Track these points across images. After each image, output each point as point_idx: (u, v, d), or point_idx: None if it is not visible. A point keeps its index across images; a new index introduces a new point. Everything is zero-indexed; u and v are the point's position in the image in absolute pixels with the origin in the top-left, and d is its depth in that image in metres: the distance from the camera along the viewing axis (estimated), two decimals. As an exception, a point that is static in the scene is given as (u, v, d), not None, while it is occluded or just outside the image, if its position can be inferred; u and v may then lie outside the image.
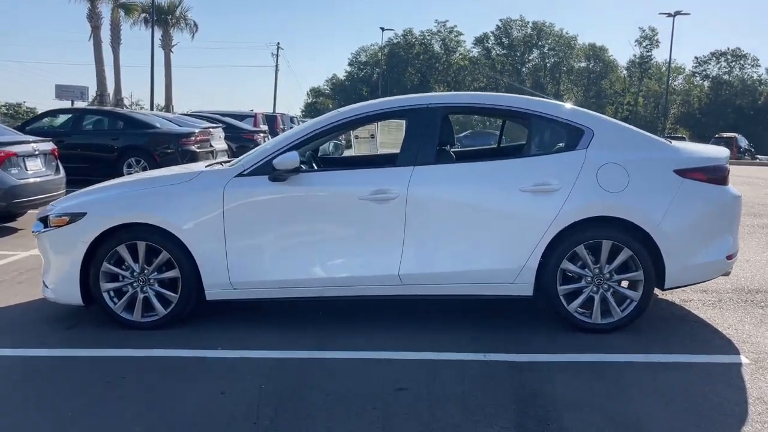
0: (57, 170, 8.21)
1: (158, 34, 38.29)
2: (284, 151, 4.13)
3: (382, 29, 53.49)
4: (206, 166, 4.62)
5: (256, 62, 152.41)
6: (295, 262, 4.12)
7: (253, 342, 3.98)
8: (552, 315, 4.29)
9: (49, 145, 8.18)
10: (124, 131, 12.19)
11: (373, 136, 19.69)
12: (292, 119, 27.92)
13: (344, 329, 4.24)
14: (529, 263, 4.07)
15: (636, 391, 3.33)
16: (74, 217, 4.15)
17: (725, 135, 35.82)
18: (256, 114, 20.94)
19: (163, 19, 39.48)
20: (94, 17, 33.89)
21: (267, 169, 4.11)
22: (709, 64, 66.52)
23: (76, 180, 8.62)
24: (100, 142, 12.19)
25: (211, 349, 3.86)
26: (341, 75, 75.71)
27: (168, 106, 39.21)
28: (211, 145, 12.82)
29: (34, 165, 7.76)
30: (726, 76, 65.30)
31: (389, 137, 19.94)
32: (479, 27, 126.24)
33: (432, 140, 4.21)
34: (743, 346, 4.00)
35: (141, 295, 4.16)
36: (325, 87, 76.56)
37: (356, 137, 19.53)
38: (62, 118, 13.38)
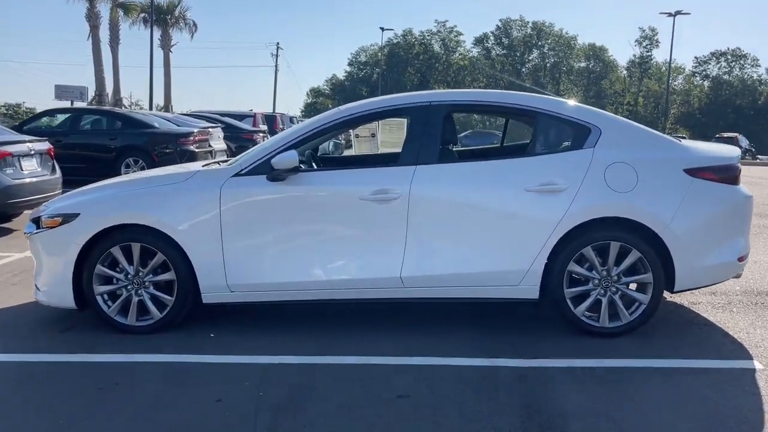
0: (53, 170, 8.12)
1: (157, 33, 38.33)
2: (283, 150, 4.02)
3: (382, 29, 53.52)
4: (203, 166, 4.52)
5: (256, 62, 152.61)
6: (294, 265, 4.01)
7: (249, 347, 3.87)
8: (558, 319, 4.17)
9: (45, 145, 8.09)
10: (122, 131, 12.11)
11: (373, 135, 19.62)
12: (291, 119, 27.92)
13: (343, 333, 4.13)
14: (535, 265, 3.97)
15: (645, 398, 3.22)
16: (67, 217, 4.05)
17: (726, 135, 35.73)
18: (255, 114, 20.88)
19: (162, 18, 39.47)
20: (92, 17, 33.86)
21: (265, 169, 4.00)
22: (709, 64, 66.53)
23: (74, 180, 8.51)
24: (98, 142, 12.11)
25: (206, 354, 3.75)
26: (341, 75, 75.84)
27: (167, 106, 39.15)
28: (209, 145, 12.73)
29: (30, 165, 7.66)
30: (726, 76, 65.27)
31: (390, 136, 19.88)
32: (479, 27, 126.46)
33: (434, 139, 4.10)
34: (756, 350, 3.89)
35: (135, 298, 4.06)
36: (325, 87, 76.56)
37: (357, 136, 19.48)
38: (60, 118, 13.34)
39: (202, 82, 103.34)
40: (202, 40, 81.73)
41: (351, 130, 18.17)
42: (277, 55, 57.92)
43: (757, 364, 3.67)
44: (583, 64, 71.45)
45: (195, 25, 41.89)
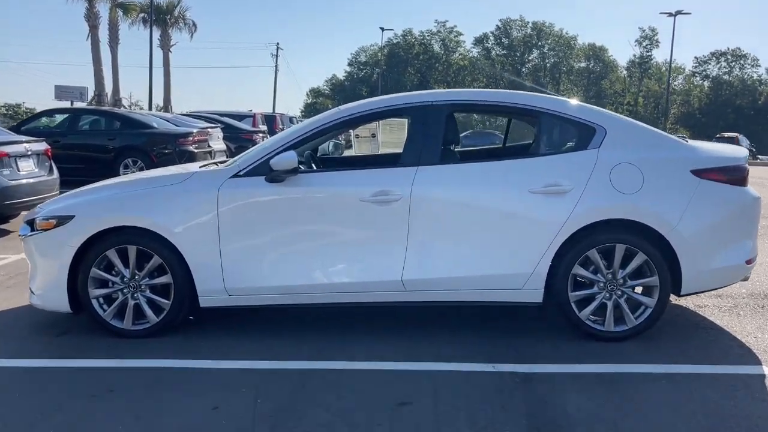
0: (50, 171, 8.05)
1: (157, 33, 38.22)
2: (282, 151, 3.95)
3: (382, 29, 53.36)
4: (201, 167, 4.44)
5: (256, 62, 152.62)
6: (293, 267, 3.93)
7: (247, 352, 3.79)
8: (562, 322, 4.10)
9: (42, 146, 8.01)
10: (120, 131, 12.04)
11: (374, 136, 19.53)
12: (291, 119, 27.83)
13: (343, 338, 4.05)
14: (539, 268, 3.89)
15: (651, 405, 3.15)
16: (62, 219, 3.97)
17: (726, 135, 35.62)
18: (255, 114, 20.80)
19: (161, 18, 39.35)
20: (91, 17, 33.77)
21: (264, 170, 3.93)
22: (709, 64, 66.47)
23: (72, 181, 8.43)
24: (96, 142, 12.03)
25: (204, 360, 3.67)
26: (341, 75, 75.72)
27: (167, 107, 39.07)
28: (209, 146, 12.66)
29: (27, 166, 7.59)
30: (726, 76, 65.22)
31: (391, 136, 19.80)
32: (479, 27, 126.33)
33: (436, 139, 4.02)
34: (764, 355, 3.81)
35: (132, 302, 3.98)
36: (325, 87, 76.48)
37: (357, 136, 19.38)
38: (58, 118, 13.27)
39: (201, 82, 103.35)
40: (201, 40, 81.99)
41: (351, 131, 18.08)
42: (277, 56, 57.83)
43: (766, 370, 3.59)
44: (583, 64, 71.37)
45: (195, 25, 41.81)
